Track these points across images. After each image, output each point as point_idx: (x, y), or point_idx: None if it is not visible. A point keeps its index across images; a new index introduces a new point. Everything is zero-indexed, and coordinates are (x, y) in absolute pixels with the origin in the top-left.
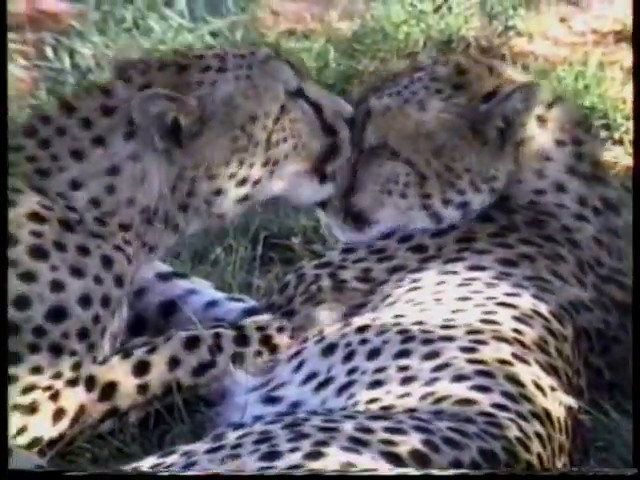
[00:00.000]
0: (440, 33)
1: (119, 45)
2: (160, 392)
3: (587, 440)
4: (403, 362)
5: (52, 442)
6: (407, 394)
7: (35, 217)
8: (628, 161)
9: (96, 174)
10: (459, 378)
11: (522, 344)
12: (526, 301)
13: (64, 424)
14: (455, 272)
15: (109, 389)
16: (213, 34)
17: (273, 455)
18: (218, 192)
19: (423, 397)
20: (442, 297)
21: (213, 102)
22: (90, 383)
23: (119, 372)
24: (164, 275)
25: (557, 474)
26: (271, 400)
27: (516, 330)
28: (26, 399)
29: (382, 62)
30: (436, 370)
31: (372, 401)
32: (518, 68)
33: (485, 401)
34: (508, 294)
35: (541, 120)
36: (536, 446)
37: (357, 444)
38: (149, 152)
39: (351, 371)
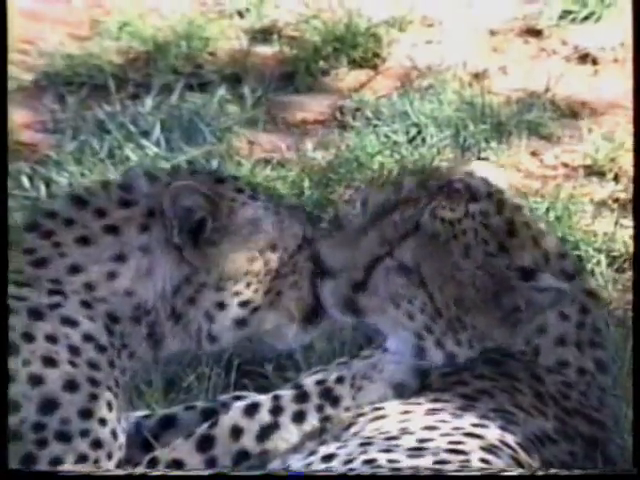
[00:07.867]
0: (414, 163)
1: (95, 174)
2: (229, 463)
3: None
4: None
5: None
6: None
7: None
8: None
9: (100, 260)
10: None
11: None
12: (493, 432)
13: None
14: (418, 403)
15: (174, 467)
16: (189, 163)
17: None
18: (221, 306)
19: None
20: (408, 426)
21: (242, 218)
22: (152, 464)
23: (183, 451)
24: None
25: (557, 475)
26: None
27: (484, 460)
28: None
29: (356, 191)
30: None
31: None
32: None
33: None
34: (475, 425)
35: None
36: None
37: None
38: (161, 248)
39: None
